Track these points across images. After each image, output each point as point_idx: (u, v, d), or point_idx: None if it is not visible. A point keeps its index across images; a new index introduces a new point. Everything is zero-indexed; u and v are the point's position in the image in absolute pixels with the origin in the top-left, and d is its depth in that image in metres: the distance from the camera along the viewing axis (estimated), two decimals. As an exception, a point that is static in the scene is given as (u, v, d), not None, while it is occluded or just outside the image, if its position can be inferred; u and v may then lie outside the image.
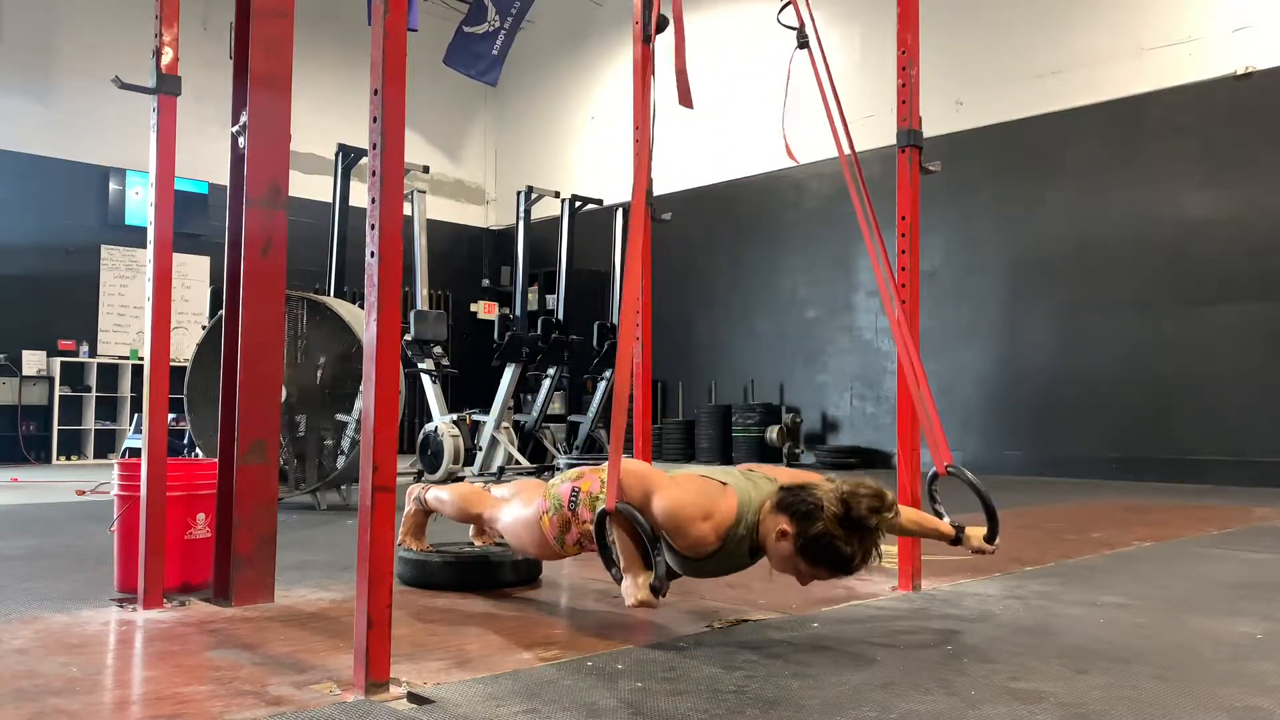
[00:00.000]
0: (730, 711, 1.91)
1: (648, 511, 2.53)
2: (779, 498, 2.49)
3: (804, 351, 11.15)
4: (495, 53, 10.30)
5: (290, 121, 3.09)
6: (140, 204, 11.08)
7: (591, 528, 2.75)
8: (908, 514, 2.85)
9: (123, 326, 11.48)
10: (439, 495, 3.35)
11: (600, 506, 2.75)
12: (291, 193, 3.11)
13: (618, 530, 2.54)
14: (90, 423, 11.09)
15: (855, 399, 10.79)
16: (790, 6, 3.32)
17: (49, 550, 4.07)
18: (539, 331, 8.81)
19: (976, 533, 2.86)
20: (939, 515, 2.92)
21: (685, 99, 3.39)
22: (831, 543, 2.37)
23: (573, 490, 2.85)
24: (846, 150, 3.30)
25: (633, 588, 2.49)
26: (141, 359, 4.67)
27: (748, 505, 2.54)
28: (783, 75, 3.49)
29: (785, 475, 2.70)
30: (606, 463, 2.73)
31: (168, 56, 2.96)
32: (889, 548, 3.77)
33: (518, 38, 14.65)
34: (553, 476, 3.20)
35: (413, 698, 1.97)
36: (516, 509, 3.04)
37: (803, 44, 3.32)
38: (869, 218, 3.18)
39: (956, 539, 2.86)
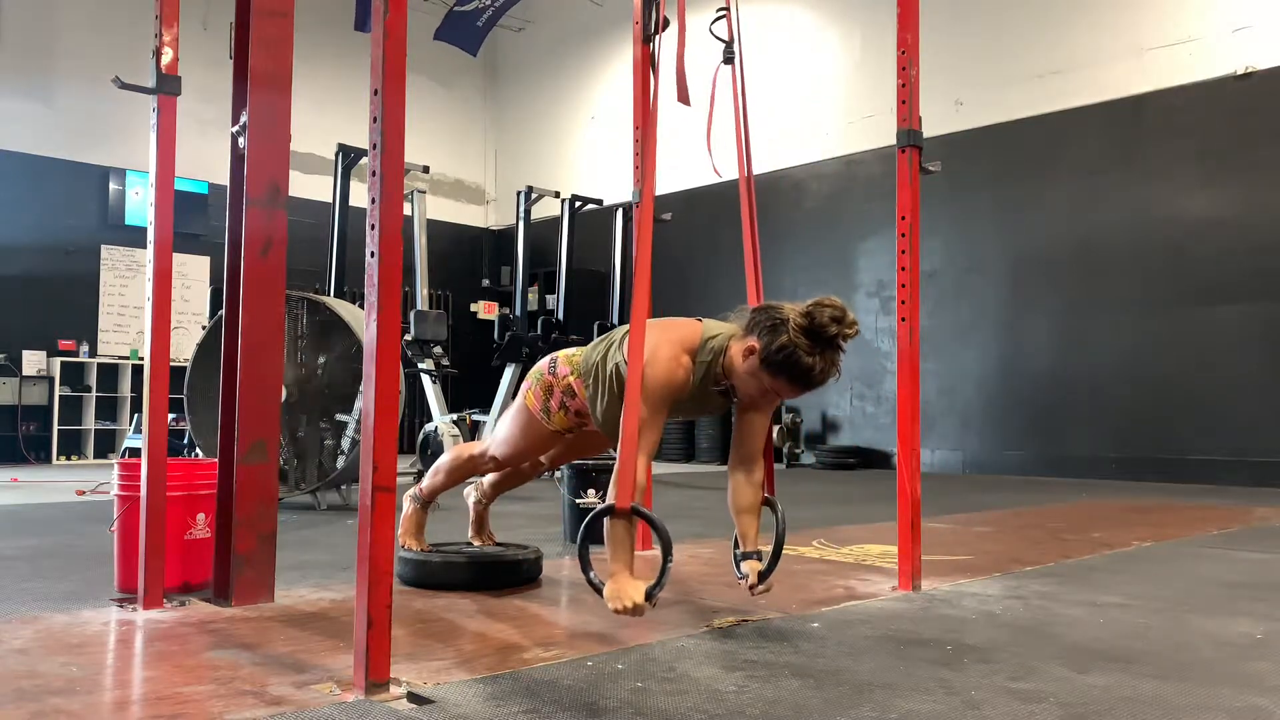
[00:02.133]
0: (730, 711, 1.91)
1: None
2: (747, 321, 2.62)
3: (804, 351, 11.14)
4: (480, 25, 10.37)
5: (290, 121, 3.09)
6: (140, 204, 11.08)
7: (573, 380, 2.89)
8: (756, 502, 2.89)
9: (123, 326, 11.48)
10: (433, 470, 3.39)
11: (577, 361, 2.92)
12: (291, 193, 3.11)
13: (617, 529, 2.48)
14: (90, 423, 11.09)
15: (855, 399, 10.79)
16: (723, 19, 3.35)
17: (49, 550, 4.07)
18: (539, 331, 8.81)
19: (754, 566, 2.82)
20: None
21: (683, 96, 3.41)
22: (794, 352, 2.49)
23: (551, 359, 3.05)
24: (746, 173, 3.45)
25: (623, 591, 2.41)
26: (141, 359, 4.67)
27: (714, 331, 2.70)
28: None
29: None
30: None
31: (168, 56, 2.96)
32: (889, 548, 3.78)
33: (518, 37, 14.68)
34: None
35: (413, 698, 1.97)
36: (505, 420, 3.18)
37: (728, 59, 3.37)
38: (754, 240, 3.42)
39: (744, 555, 2.86)
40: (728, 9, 3.38)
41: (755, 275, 3.28)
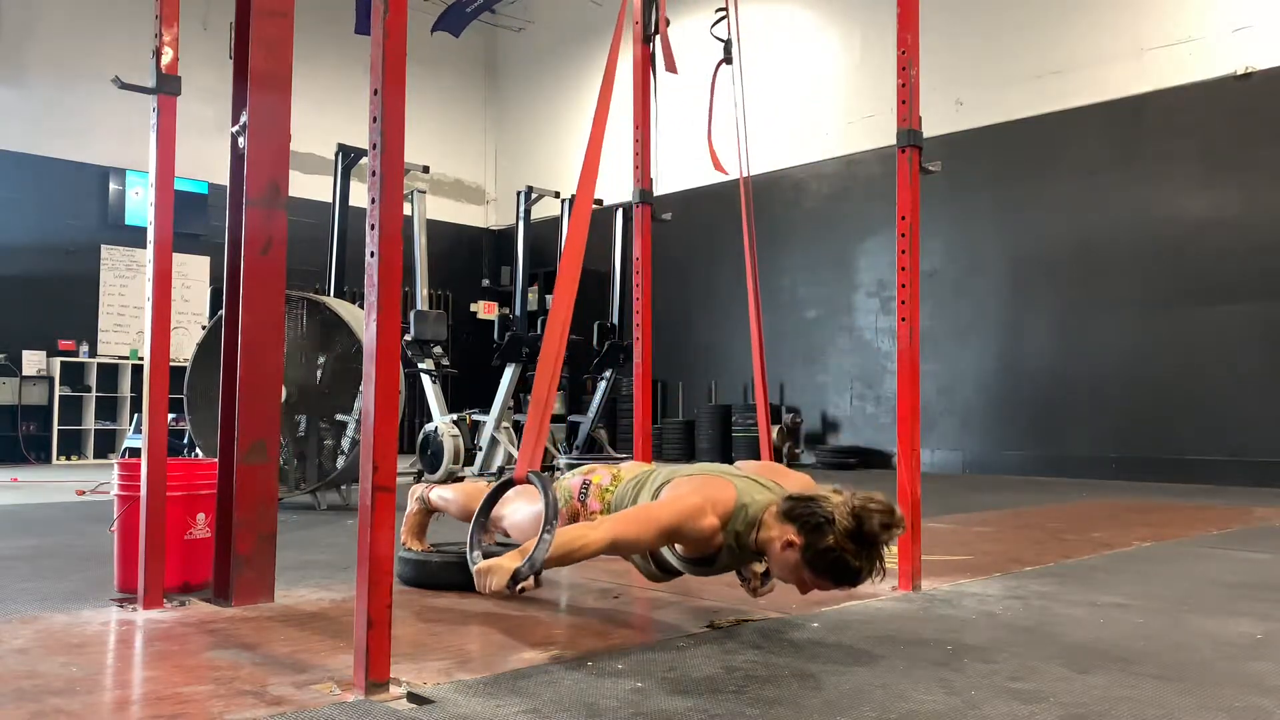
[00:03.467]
0: (730, 712, 1.91)
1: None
2: (786, 507, 2.47)
3: (804, 351, 11.15)
4: (469, 11, 10.39)
5: (290, 121, 3.09)
6: (140, 204, 11.08)
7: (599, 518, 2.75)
8: None
9: (123, 326, 11.48)
10: (443, 494, 3.35)
11: (610, 499, 2.77)
12: (291, 193, 3.11)
13: (520, 505, 2.40)
14: (90, 423, 11.09)
15: (855, 399, 10.79)
16: (723, 21, 3.38)
17: (49, 550, 4.07)
18: (539, 331, 8.81)
19: (756, 568, 2.83)
20: None
21: (670, 65, 3.44)
22: (841, 556, 2.39)
23: (583, 483, 2.89)
24: (747, 173, 3.51)
25: (495, 564, 2.26)
26: (141, 359, 4.67)
27: (749, 501, 2.54)
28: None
29: (791, 481, 2.72)
30: (622, 463, 2.74)
31: (168, 56, 2.96)
32: (889, 548, 3.77)
33: (518, 37, 14.68)
34: (553, 476, 3.20)
35: (413, 698, 1.97)
36: (524, 505, 3.03)
37: (727, 59, 3.38)
38: (751, 239, 3.46)
39: None
40: (727, 10, 3.39)
41: (754, 276, 3.28)
